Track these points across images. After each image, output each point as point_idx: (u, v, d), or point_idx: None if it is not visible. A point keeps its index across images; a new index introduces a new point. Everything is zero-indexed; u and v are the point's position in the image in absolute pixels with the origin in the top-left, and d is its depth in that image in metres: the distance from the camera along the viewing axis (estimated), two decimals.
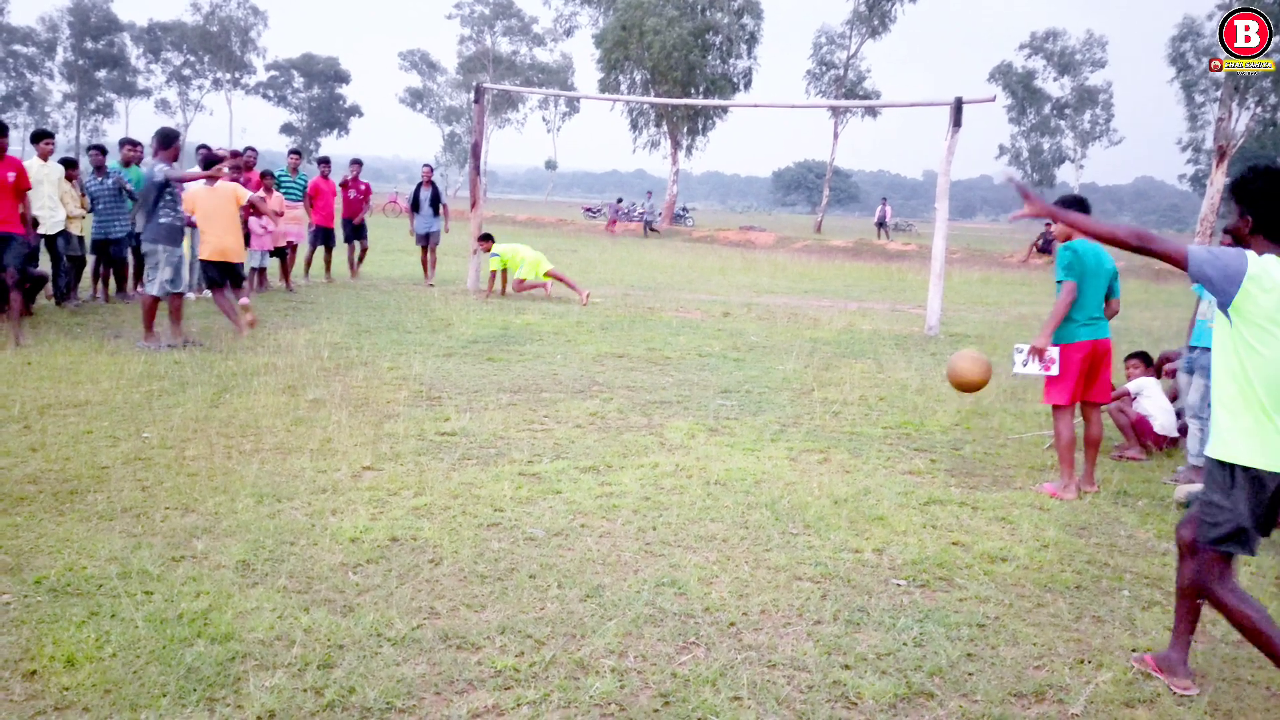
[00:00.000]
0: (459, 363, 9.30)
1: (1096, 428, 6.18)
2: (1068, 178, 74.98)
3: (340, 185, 15.80)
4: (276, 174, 14.22)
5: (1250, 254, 3.27)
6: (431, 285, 15.49)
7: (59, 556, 4.23)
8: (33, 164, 10.67)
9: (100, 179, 11.78)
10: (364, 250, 16.18)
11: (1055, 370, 5.87)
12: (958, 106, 12.93)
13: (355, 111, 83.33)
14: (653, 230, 41.17)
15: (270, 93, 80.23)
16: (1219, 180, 26.92)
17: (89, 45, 74.13)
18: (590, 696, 3.30)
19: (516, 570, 4.35)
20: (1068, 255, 5.82)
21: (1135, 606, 4.32)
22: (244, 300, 10.32)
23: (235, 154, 13.66)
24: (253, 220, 12.97)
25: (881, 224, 43.27)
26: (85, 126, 76.55)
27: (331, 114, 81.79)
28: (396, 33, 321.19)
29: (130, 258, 12.33)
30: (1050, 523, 5.40)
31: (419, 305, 13.12)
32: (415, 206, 16.08)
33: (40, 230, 10.88)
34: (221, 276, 10.01)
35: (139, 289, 12.82)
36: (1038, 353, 5.88)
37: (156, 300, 9.25)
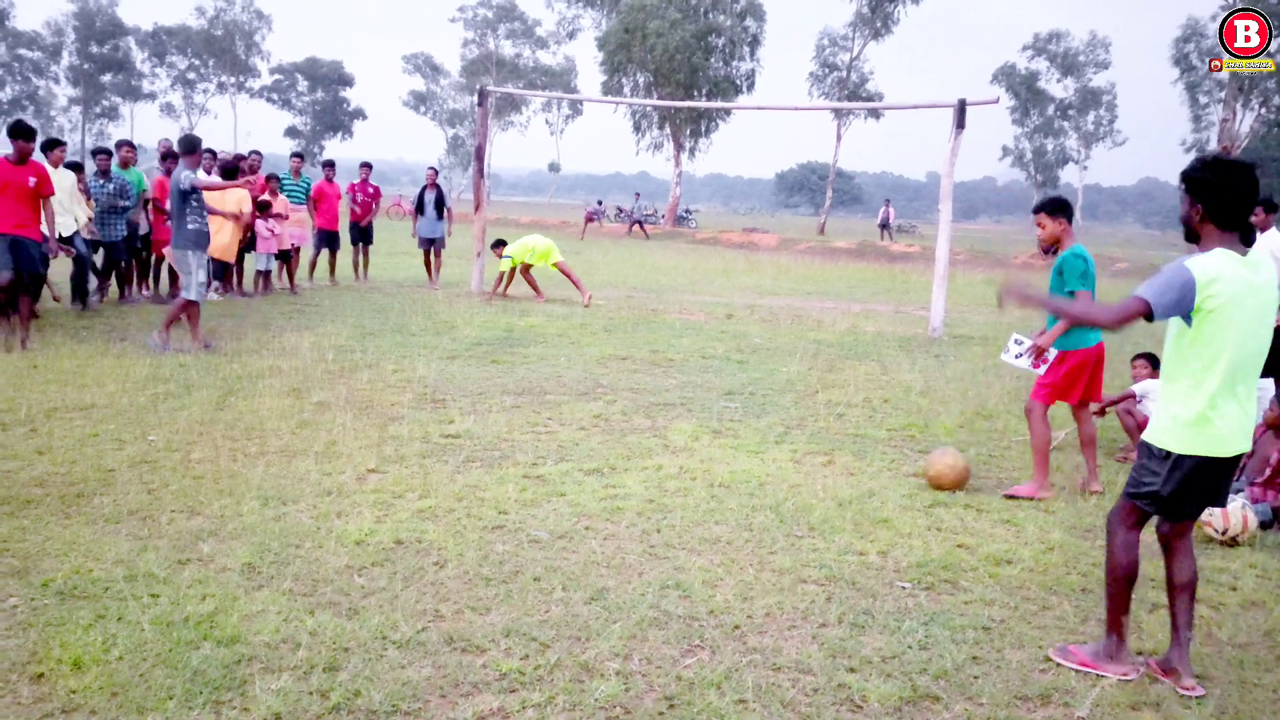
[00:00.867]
0: (463, 365, 9.32)
1: (1090, 426, 6.19)
2: (1071, 179, 74.95)
3: (348, 188, 15.82)
4: (280, 177, 14.25)
5: (1191, 264, 3.41)
6: (436, 289, 15.49)
7: (65, 559, 4.24)
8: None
9: (103, 182, 11.80)
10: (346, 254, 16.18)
11: (1044, 370, 5.87)
12: (961, 108, 12.92)
13: (359, 115, 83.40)
14: (641, 230, 40.76)
15: (274, 96, 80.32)
16: None
17: (94, 49, 74.24)
18: (595, 699, 3.31)
19: (521, 573, 4.35)
20: (1081, 264, 5.76)
21: (1140, 609, 4.31)
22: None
23: (239, 158, 13.70)
24: (259, 223, 13.00)
25: (885, 226, 43.25)
26: (90, 130, 76.69)
27: (335, 117, 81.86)
28: (400, 36, 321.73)
29: (121, 260, 12.34)
30: (1055, 525, 5.39)
31: (423, 308, 13.14)
32: (420, 209, 16.08)
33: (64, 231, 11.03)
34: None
35: (143, 291, 12.86)
36: (1038, 351, 5.87)
37: (190, 305, 9.26)
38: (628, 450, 6.50)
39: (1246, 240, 3.49)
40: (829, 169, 56.71)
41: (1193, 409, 3.47)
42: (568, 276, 14.62)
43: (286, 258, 14.09)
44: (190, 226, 9.21)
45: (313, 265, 15.59)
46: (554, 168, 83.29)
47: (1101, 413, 7.07)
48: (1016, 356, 5.99)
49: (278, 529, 4.73)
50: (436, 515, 5.05)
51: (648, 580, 4.33)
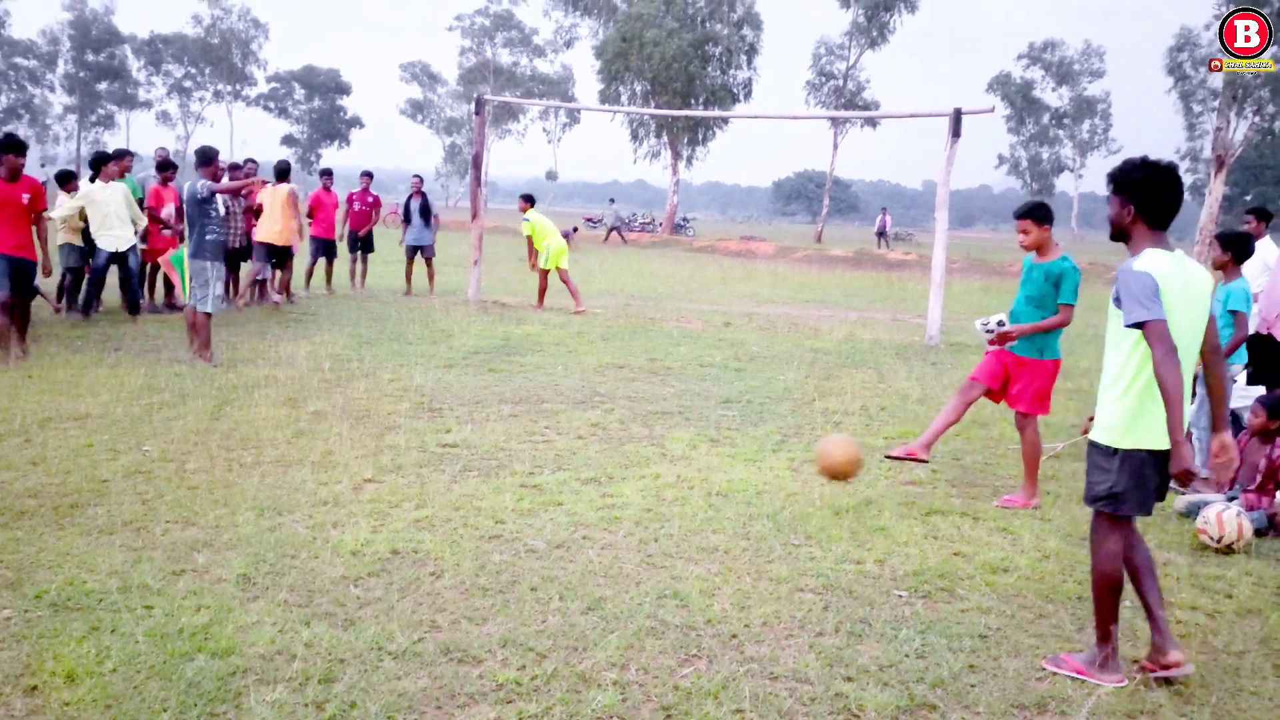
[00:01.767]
0: (460, 374, 9.31)
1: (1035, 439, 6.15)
2: (1066, 187, 75.23)
3: (348, 197, 15.81)
4: (268, 181, 14.23)
5: (1147, 269, 3.52)
6: (433, 297, 15.49)
7: (59, 571, 4.22)
8: (90, 188, 11.18)
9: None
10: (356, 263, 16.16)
11: (991, 349, 5.98)
12: (957, 117, 12.96)
13: (356, 123, 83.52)
14: (620, 236, 40.52)
15: (271, 104, 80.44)
16: (1217, 189, 26.96)
17: (90, 58, 74.32)
18: (592, 710, 3.30)
19: (518, 583, 4.34)
20: (1079, 277, 5.84)
21: (1137, 617, 4.30)
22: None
23: (235, 166, 13.69)
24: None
25: (882, 234, 43.33)
26: (86, 139, 76.70)
27: (332, 125, 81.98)
28: (397, 44, 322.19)
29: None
30: (1051, 533, 5.39)
31: (420, 316, 13.13)
32: (407, 218, 16.13)
33: (110, 248, 11.26)
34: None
35: (153, 302, 12.81)
36: (1005, 338, 5.89)
37: (209, 316, 9.23)
38: (625, 459, 6.50)
39: (1246, 251, 3.59)
40: (826, 177, 56.82)
41: (1137, 404, 3.55)
42: (567, 284, 14.66)
43: (282, 265, 14.06)
44: (209, 237, 9.17)
45: (309, 274, 15.58)
46: (551, 176, 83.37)
47: (1085, 432, 7.10)
48: (986, 330, 6.04)
49: (273, 539, 4.71)
50: (433, 525, 5.04)
51: (645, 590, 4.32)
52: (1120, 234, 3.71)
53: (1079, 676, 3.68)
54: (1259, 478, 5.74)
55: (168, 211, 12.16)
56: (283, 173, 14.09)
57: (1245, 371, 6.83)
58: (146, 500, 5.22)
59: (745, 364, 10.65)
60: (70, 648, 3.52)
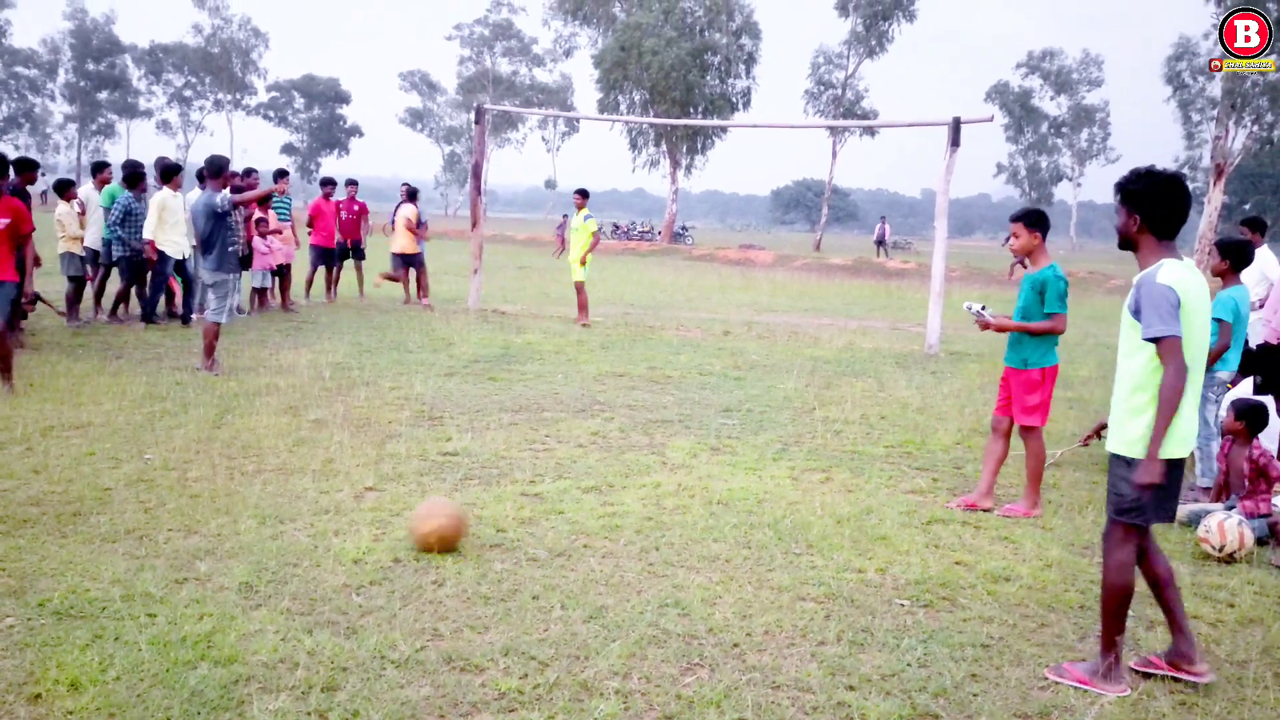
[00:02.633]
0: (460, 382, 9.32)
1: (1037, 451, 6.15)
2: (1065, 196, 75.31)
3: (334, 206, 15.83)
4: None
5: (1168, 281, 3.55)
6: (428, 304, 15.51)
7: (62, 579, 4.22)
8: (163, 194, 11.61)
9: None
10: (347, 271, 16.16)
11: (977, 322, 6.04)
12: (956, 126, 12.99)
13: (356, 132, 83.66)
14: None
15: (271, 113, 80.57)
16: (1216, 198, 27.05)
17: (90, 67, 74.45)
18: (594, 719, 3.30)
19: (519, 591, 4.34)
20: (1063, 286, 5.81)
21: (1139, 626, 4.32)
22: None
23: (249, 171, 13.75)
24: (256, 240, 13.01)
25: (880, 242, 43.40)
26: (86, 148, 76.79)
27: (332, 134, 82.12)
28: (396, 54, 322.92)
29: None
30: (1053, 542, 5.40)
31: (420, 325, 13.14)
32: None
33: (175, 255, 11.71)
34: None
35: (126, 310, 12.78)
36: (985, 327, 5.98)
37: (218, 326, 9.23)
38: (626, 468, 6.50)
39: (1245, 258, 3.64)
40: (825, 186, 56.92)
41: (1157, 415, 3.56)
42: (580, 294, 14.59)
43: (282, 274, 14.10)
44: (230, 249, 9.20)
45: (309, 283, 15.60)
46: (550, 184, 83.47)
47: (1086, 443, 7.13)
48: (971, 312, 6.11)
49: (275, 548, 4.71)
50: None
51: (646, 598, 4.33)
52: (1128, 244, 3.75)
53: (1082, 686, 3.68)
54: (1247, 482, 5.76)
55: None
56: (412, 194, 16.18)
57: (1253, 380, 6.86)
58: (149, 508, 5.22)
59: (745, 372, 10.66)
60: (73, 656, 3.52)
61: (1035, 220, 5.85)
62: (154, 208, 11.48)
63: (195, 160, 51.15)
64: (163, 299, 12.44)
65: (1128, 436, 3.65)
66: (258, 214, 13.12)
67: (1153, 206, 3.63)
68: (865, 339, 14.27)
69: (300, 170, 78.00)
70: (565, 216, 39.41)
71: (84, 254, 11.81)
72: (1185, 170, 56.11)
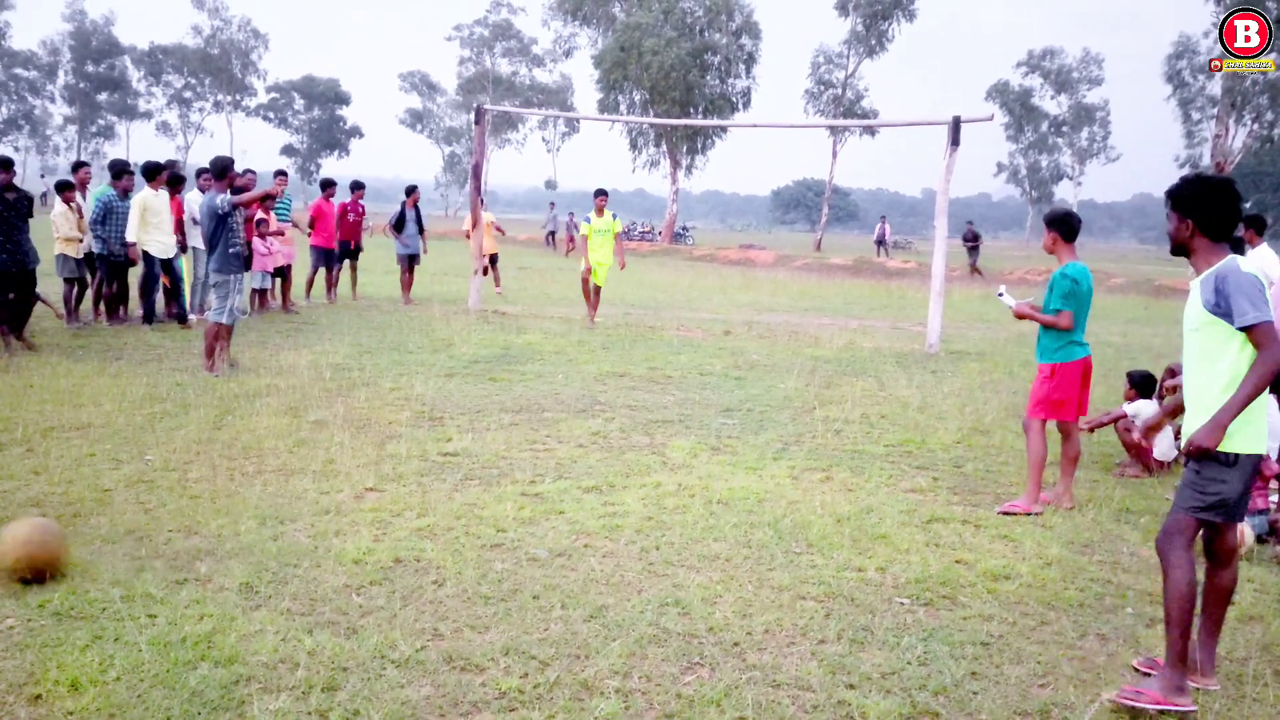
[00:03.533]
0: (461, 383, 9.32)
1: (1077, 445, 6.20)
2: (1065, 194, 75.30)
3: (338, 207, 15.84)
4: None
5: (1251, 269, 3.58)
6: (409, 302, 15.66)
7: (62, 580, 4.22)
8: (145, 194, 11.67)
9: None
10: (345, 272, 16.19)
11: (1011, 304, 6.20)
12: (956, 125, 12.99)
13: (355, 133, 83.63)
14: (554, 243, 39.14)
15: (271, 115, 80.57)
16: None
17: (90, 68, 74.50)
18: (595, 718, 3.30)
19: (520, 591, 4.34)
20: (1067, 284, 5.89)
21: (1139, 624, 4.32)
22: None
23: (249, 173, 13.77)
24: (256, 241, 13.01)
25: (881, 242, 43.39)
26: (86, 150, 76.78)
27: (332, 135, 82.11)
28: (396, 54, 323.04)
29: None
30: (1053, 540, 5.40)
31: (421, 325, 13.15)
32: (399, 227, 16.19)
33: (160, 255, 11.78)
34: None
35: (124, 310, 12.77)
36: (1015, 312, 6.15)
37: (221, 327, 9.22)
38: (626, 468, 6.50)
39: (1238, 251, 3.67)
40: (825, 186, 56.90)
41: (1250, 410, 3.56)
42: (588, 296, 14.76)
43: (283, 275, 14.11)
44: (232, 250, 9.21)
45: (309, 284, 15.61)
46: (550, 185, 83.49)
47: (1091, 430, 7.13)
48: (1000, 297, 6.44)
49: (275, 548, 4.72)
50: (435, 533, 5.04)
51: (647, 598, 4.33)
52: (1180, 249, 3.77)
53: (1161, 707, 3.51)
54: None
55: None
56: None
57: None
58: (149, 509, 5.23)
59: (745, 372, 10.66)
60: (74, 656, 3.52)
61: (1050, 219, 6.08)
62: (135, 208, 11.49)
63: (195, 161, 51.17)
64: (162, 300, 12.46)
65: (1228, 432, 3.57)
66: (259, 215, 13.14)
67: (1206, 211, 3.66)
68: (865, 338, 14.27)
69: (300, 171, 77.99)
70: (571, 214, 38.70)
71: (79, 256, 11.78)
72: (1186, 169, 56.13)
